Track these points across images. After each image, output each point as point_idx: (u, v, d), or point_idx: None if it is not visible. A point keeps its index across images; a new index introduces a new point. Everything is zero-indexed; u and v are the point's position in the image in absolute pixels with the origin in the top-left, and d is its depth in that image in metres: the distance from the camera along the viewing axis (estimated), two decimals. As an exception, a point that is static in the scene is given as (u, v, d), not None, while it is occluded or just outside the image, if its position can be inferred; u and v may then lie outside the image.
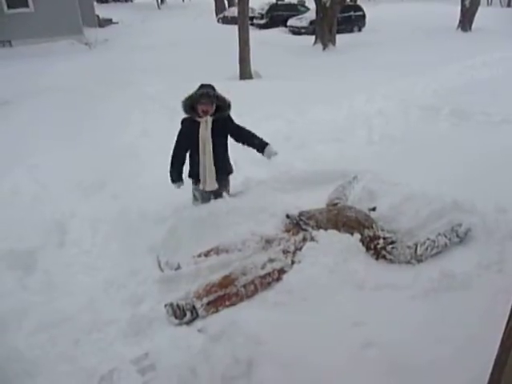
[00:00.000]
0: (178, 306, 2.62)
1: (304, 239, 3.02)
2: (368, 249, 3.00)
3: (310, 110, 6.82)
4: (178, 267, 3.05)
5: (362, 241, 3.03)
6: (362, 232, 3.07)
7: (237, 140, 3.69)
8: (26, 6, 15.05)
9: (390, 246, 2.95)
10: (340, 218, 3.20)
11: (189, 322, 2.60)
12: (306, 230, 3.11)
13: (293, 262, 2.85)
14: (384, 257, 2.94)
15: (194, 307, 2.62)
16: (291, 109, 6.87)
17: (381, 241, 2.99)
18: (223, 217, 3.31)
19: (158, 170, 4.64)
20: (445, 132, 5.63)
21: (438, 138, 5.33)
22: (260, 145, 3.67)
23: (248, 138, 3.68)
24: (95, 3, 23.13)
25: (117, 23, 22.53)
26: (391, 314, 2.32)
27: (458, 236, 2.98)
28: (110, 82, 9.42)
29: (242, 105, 6.90)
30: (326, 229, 3.07)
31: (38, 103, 7.89)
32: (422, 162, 4.43)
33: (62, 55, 13.38)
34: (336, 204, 3.58)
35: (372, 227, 3.13)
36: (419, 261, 2.87)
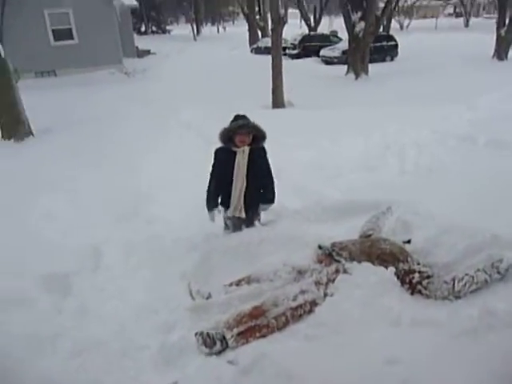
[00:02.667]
0: (208, 335, 2.60)
1: (337, 271, 2.97)
2: (403, 283, 2.91)
3: (342, 139, 6.81)
4: (209, 296, 3.05)
5: (396, 274, 2.95)
6: (397, 265, 3.00)
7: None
8: (72, 38, 15.92)
9: (426, 281, 2.86)
10: (374, 250, 3.14)
11: (219, 353, 2.58)
12: (338, 261, 3.06)
13: (325, 295, 2.80)
14: (420, 292, 2.84)
15: (224, 337, 2.60)
16: (324, 138, 6.88)
17: (416, 275, 2.90)
18: (255, 246, 3.31)
19: (191, 198, 4.71)
20: (482, 162, 5.47)
21: (475, 169, 5.19)
22: (267, 197, 3.75)
23: (265, 182, 3.73)
24: (135, 35, 24.24)
25: (154, 54, 23.46)
26: (428, 352, 2.23)
27: (498, 272, 2.85)
28: (146, 110, 9.75)
29: (275, 133, 6.97)
30: (359, 261, 3.01)
31: (77, 130, 8.24)
32: (459, 194, 4.32)
33: (103, 84, 13.97)
34: (369, 235, 3.52)
35: (407, 260, 3.05)
36: (457, 297, 2.76)
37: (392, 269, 2.96)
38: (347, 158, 6.02)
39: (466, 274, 2.80)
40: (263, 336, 2.62)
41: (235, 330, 2.61)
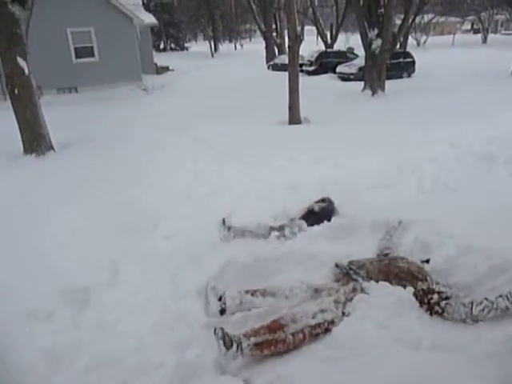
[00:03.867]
0: (227, 333, 2.59)
1: (354, 290, 2.94)
2: (422, 303, 2.86)
3: (358, 156, 6.77)
4: (224, 296, 3.06)
5: (415, 294, 2.90)
6: (415, 285, 2.95)
7: None
8: (93, 56, 16.39)
9: (444, 302, 2.79)
10: (392, 269, 3.10)
11: (233, 358, 2.54)
12: (356, 280, 3.03)
13: (343, 314, 2.77)
14: (437, 313, 2.79)
15: (240, 343, 2.57)
16: (339, 154, 6.85)
17: (435, 295, 2.84)
18: (271, 263, 3.30)
19: (209, 213, 4.74)
20: (503, 181, 5.37)
21: (495, 188, 5.08)
22: None
23: None
24: (154, 52, 24.75)
25: (173, 70, 23.87)
26: (449, 378, 2.18)
27: None
28: (164, 126, 9.87)
29: (291, 150, 7.01)
30: (377, 280, 2.98)
31: (96, 145, 8.37)
32: (480, 213, 4.21)
33: (122, 100, 14.22)
34: (387, 254, 3.48)
35: (426, 279, 3.01)
36: (475, 321, 2.68)
37: (410, 288, 2.92)
38: (363, 174, 5.97)
39: (486, 299, 2.72)
40: (278, 351, 2.60)
41: (252, 340, 2.58)
